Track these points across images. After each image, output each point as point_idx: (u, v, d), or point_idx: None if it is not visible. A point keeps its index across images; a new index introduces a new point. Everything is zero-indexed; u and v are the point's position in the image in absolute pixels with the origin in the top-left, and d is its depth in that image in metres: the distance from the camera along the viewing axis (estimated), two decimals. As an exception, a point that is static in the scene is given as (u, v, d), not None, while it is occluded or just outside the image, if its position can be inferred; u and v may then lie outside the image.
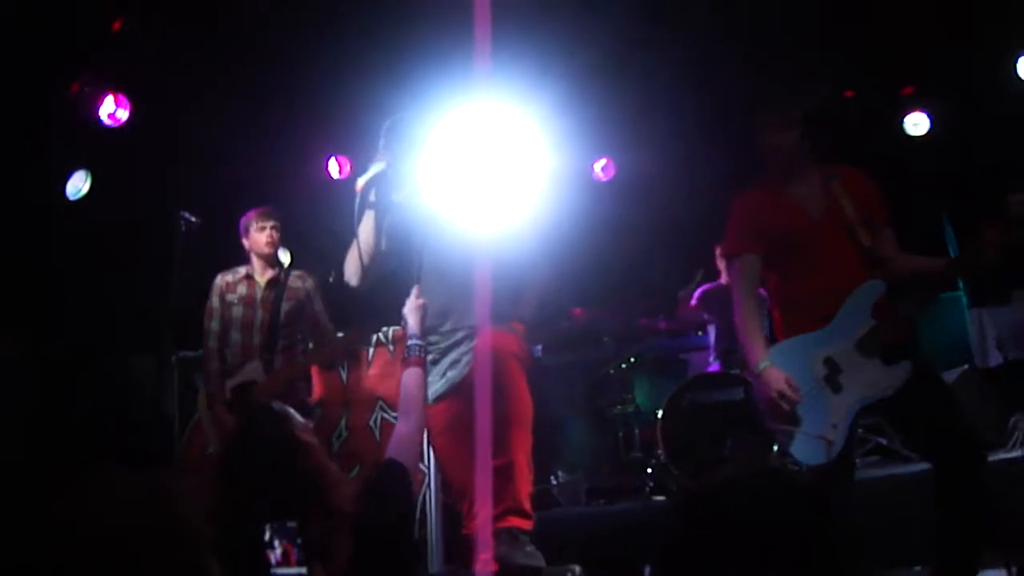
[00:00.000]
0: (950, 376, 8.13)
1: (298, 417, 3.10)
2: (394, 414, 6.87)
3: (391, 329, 7.34)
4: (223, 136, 8.44)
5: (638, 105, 8.86)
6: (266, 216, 7.04)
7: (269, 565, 2.56)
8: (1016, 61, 9.18)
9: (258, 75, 8.43)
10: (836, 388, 4.47)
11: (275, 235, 7.00)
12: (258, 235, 7.00)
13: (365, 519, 2.94)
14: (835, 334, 4.50)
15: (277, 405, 3.15)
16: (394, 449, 3.59)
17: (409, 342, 4.33)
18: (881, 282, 4.56)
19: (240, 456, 2.91)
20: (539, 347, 7.91)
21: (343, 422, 7.32)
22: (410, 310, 4.55)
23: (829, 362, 4.48)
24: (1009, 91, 9.34)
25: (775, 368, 4.50)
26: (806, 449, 4.42)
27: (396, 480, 3.33)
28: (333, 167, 9.70)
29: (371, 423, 7.28)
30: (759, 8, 8.53)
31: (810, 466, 4.41)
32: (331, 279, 9.48)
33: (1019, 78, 9.21)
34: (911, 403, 4.46)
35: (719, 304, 8.37)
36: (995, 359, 9.55)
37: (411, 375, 4.11)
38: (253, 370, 6.41)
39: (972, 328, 9.65)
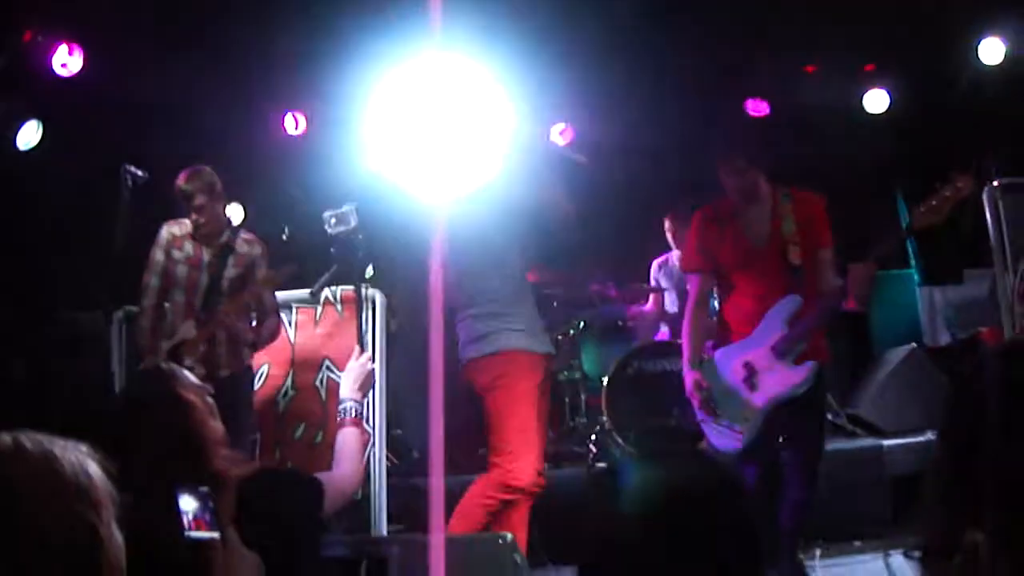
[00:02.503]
0: (897, 354, 8.18)
1: (188, 377, 3.03)
2: (341, 374, 6.77)
3: (340, 289, 7.27)
4: (177, 89, 8.30)
5: (594, 69, 8.81)
6: (190, 181, 6.47)
7: (182, 529, 2.50)
8: (977, 44, 9.20)
9: (213, 29, 8.29)
10: (752, 387, 5.18)
11: (203, 201, 6.44)
12: (185, 206, 6.50)
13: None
14: (754, 342, 5.20)
15: (166, 364, 3.10)
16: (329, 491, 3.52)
17: (343, 404, 4.08)
18: (798, 297, 5.12)
19: (123, 416, 2.87)
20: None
21: (289, 381, 7.26)
22: (352, 371, 4.22)
23: (748, 365, 5.19)
24: (969, 72, 9.40)
25: (692, 372, 5.35)
26: (721, 438, 5.27)
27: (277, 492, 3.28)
28: (289, 123, 9.60)
29: (317, 383, 7.22)
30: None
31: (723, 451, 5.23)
32: (284, 236, 9.48)
33: (979, 61, 9.24)
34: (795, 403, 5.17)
35: (674, 274, 8.41)
36: (944, 338, 9.64)
37: (348, 434, 3.95)
38: (186, 330, 6.29)
39: (923, 306, 9.73)
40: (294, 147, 9.65)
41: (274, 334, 6.78)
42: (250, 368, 6.71)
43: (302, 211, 9.01)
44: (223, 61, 8.51)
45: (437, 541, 4.42)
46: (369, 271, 8.53)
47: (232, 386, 6.31)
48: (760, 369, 5.17)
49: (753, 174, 5.31)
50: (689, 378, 5.37)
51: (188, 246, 6.56)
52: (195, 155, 7.12)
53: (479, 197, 5.50)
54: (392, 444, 8.32)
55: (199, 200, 6.41)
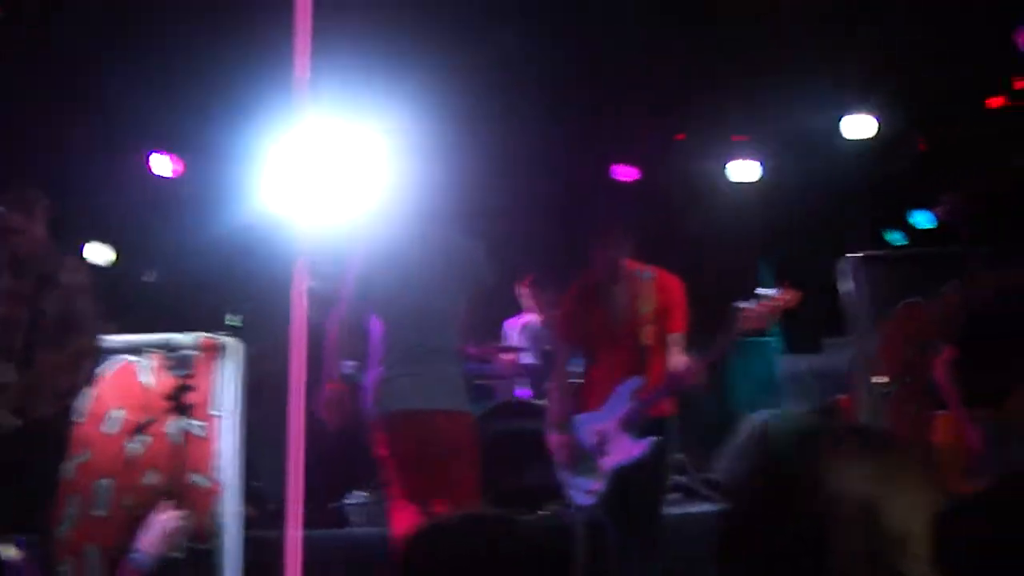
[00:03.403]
0: (759, 418, 8.26)
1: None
2: (197, 422, 6.65)
3: (198, 336, 7.13)
4: (40, 126, 8.16)
5: (461, 131, 8.83)
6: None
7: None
8: (839, 120, 9.44)
9: (79, 67, 8.18)
10: (603, 453, 5.61)
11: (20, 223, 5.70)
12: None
13: None
14: (605, 415, 5.62)
15: None
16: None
17: (134, 555, 4.07)
18: (640, 379, 5.52)
19: None
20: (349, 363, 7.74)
21: (142, 426, 7.07)
22: (155, 525, 4.24)
23: (600, 434, 5.61)
24: (834, 147, 9.63)
25: (556, 434, 5.78)
26: (578, 495, 5.74)
27: None
28: (155, 163, 9.47)
29: (171, 430, 7.06)
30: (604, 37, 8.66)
31: (580, 507, 5.76)
32: (149, 278, 9.35)
33: (842, 136, 9.48)
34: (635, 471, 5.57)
35: (538, 337, 8.44)
36: (805, 405, 9.80)
37: None
38: (3, 372, 5.86)
39: (786, 373, 9.88)
40: (161, 187, 9.52)
41: (91, 378, 6.16)
42: (67, 411, 6.19)
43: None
44: (87, 99, 8.37)
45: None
46: (232, 319, 8.49)
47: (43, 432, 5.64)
48: (610, 439, 5.59)
49: (625, 251, 5.67)
50: (555, 439, 5.80)
51: (6, 278, 5.81)
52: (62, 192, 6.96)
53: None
54: (251, 496, 8.19)
55: (15, 222, 5.71)
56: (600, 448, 5.60)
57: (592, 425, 5.66)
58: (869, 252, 8.01)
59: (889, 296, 8.08)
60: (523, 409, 7.65)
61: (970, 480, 5.73)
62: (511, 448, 7.30)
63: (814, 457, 1.74)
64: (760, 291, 5.28)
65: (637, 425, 5.52)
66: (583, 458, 5.68)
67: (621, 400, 5.56)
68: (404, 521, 5.24)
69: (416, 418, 5.31)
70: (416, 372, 5.35)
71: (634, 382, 5.54)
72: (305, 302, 5.64)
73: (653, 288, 5.66)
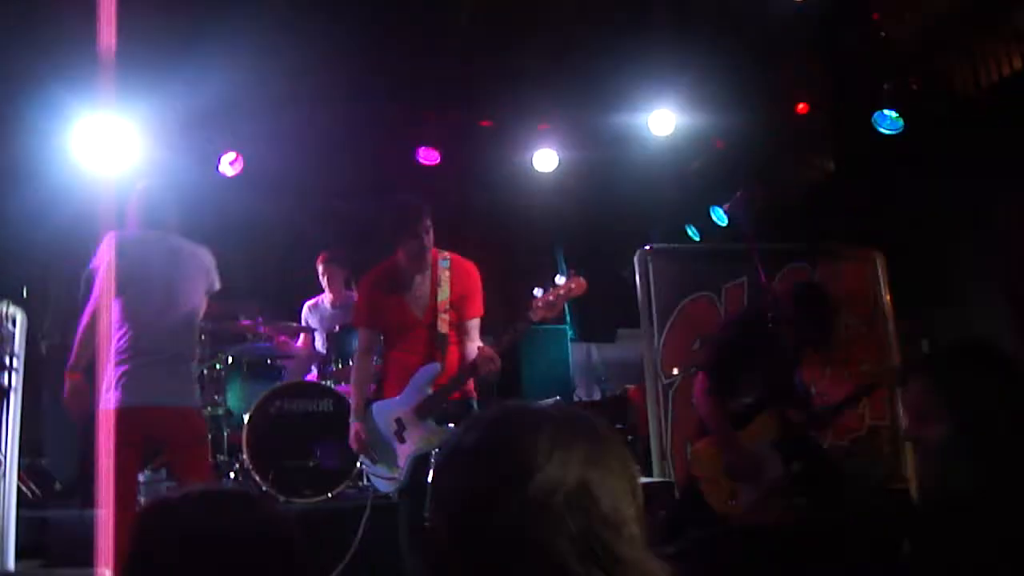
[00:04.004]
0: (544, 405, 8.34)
1: None
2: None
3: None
4: None
5: (270, 104, 8.74)
6: None
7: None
8: (648, 115, 9.58)
9: None
10: (402, 440, 5.59)
11: None
12: None
13: None
14: (403, 402, 5.58)
15: None
16: None
17: None
18: (438, 366, 5.55)
19: None
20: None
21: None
22: None
23: (399, 421, 5.58)
24: (639, 141, 9.77)
25: (356, 422, 5.72)
26: (378, 481, 5.74)
27: None
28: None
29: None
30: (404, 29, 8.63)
31: (379, 492, 5.82)
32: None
33: (650, 132, 9.62)
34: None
35: (324, 316, 8.37)
36: (597, 393, 9.97)
37: None
38: None
39: (579, 361, 10.02)
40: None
41: None
42: None
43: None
44: None
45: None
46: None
47: None
48: (408, 426, 5.56)
49: (427, 238, 5.60)
50: (353, 428, 5.73)
51: None
52: None
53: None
54: (33, 474, 7.95)
55: None
56: (399, 435, 5.58)
57: (390, 412, 5.63)
58: (658, 246, 8.14)
59: (677, 289, 8.28)
60: (307, 390, 7.56)
61: (735, 501, 5.92)
62: (294, 429, 7.24)
63: (533, 444, 1.78)
64: (556, 280, 5.34)
65: (435, 412, 5.50)
66: (381, 446, 5.65)
67: (418, 387, 5.54)
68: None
69: (143, 413, 5.51)
70: (146, 368, 5.56)
71: (431, 369, 5.54)
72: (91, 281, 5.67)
73: (451, 275, 5.69)
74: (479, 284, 5.78)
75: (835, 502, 5.82)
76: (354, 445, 5.72)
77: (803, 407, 6.08)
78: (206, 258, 6.02)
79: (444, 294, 5.64)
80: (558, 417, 1.83)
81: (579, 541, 1.69)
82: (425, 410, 5.50)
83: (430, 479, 1.99)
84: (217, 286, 6.06)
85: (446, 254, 5.75)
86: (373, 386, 5.96)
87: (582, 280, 5.32)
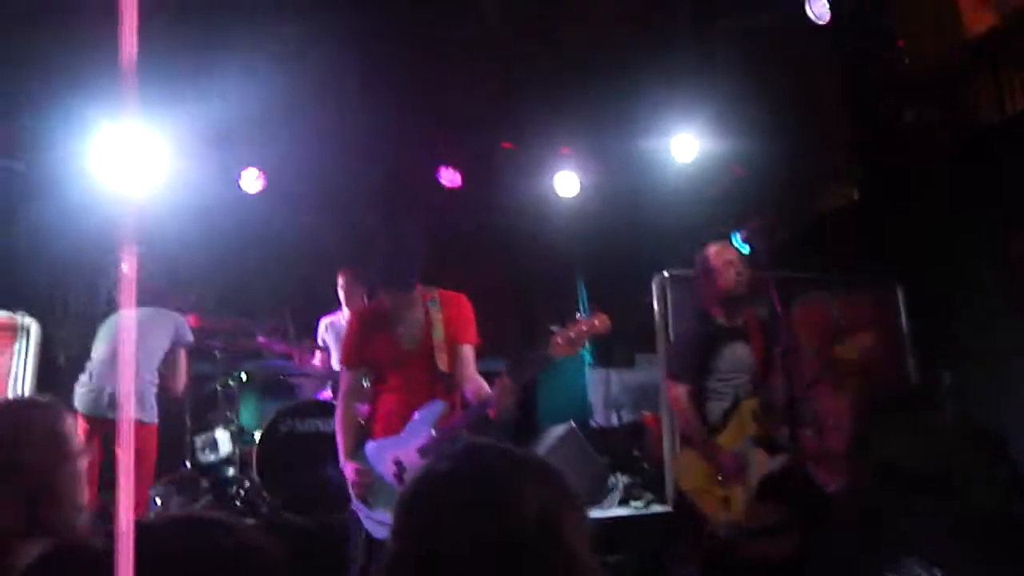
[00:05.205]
0: (556, 432, 8.32)
1: None
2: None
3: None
4: None
5: (293, 120, 8.76)
6: None
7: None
8: (670, 140, 9.58)
9: None
10: (401, 482, 5.26)
11: None
12: None
13: None
14: (403, 441, 5.32)
15: None
16: None
17: None
18: (441, 403, 5.34)
19: None
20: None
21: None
22: None
23: (398, 463, 5.30)
24: (660, 168, 9.76)
25: (350, 463, 5.42)
26: (373, 526, 5.35)
27: None
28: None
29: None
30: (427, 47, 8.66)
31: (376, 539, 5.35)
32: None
33: (671, 157, 9.62)
34: None
35: (340, 334, 8.36)
36: (615, 419, 9.93)
37: None
38: None
39: (597, 387, 9.98)
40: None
41: None
42: None
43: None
44: None
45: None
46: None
47: None
48: (409, 467, 5.30)
49: (414, 280, 5.46)
50: (349, 468, 5.45)
51: None
52: None
53: None
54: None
55: None
56: (399, 477, 5.33)
57: (389, 452, 5.39)
58: (676, 271, 8.11)
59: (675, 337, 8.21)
60: (320, 409, 7.55)
61: (730, 506, 5.91)
62: (305, 448, 7.24)
63: (510, 477, 1.91)
64: (577, 315, 5.20)
65: (439, 453, 5.24)
66: (379, 487, 5.37)
67: (421, 427, 5.33)
68: None
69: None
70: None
71: (434, 407, 5.36)
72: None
73: (442, 313, 5.55)
74: (471, 313, 5.64)
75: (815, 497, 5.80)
76: (354, 489, 5.42)
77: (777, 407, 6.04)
78: None
79: (439, 333, 5.50)
80: (522, 455, 1.99)
81: (551, 571, 1.79)
82: (428, 451, 5.28)
83: (399, 502, 2.00)
84: None
85: (434, 293, 5.61)
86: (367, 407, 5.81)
87: (606, 318, 5.06)
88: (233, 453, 7.64)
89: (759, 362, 6.28)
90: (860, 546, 3.27)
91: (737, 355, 6.26)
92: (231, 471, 7.63)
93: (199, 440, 7.70)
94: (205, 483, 7.53)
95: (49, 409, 2.94)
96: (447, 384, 5.46)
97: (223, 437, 6.98)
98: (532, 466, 1.98)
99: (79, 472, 2.94)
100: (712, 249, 6.47)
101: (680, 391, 6.18)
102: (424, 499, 1.93)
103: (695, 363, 6.22)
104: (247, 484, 7.50)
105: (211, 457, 7.23)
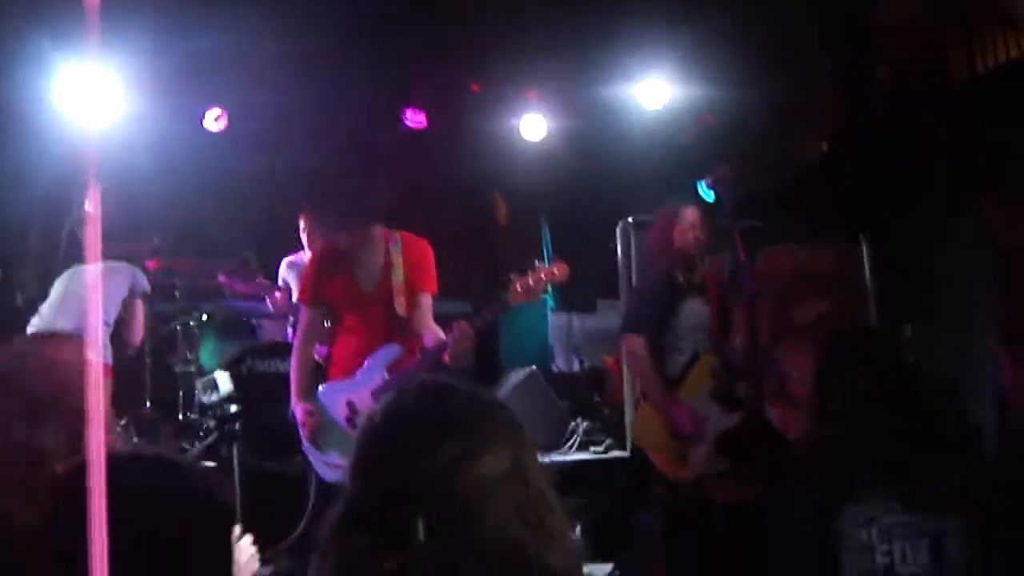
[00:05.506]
0: (517, 376, 8.34)
1: None
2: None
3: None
4: None
5: (254, 58, 8.64)
6: None
7: None
8: (639, 86, 9.52)
9: None
10: (353, 426, 5.24)
11: None
12: None
13: None
14: (357, 384, 5.33)
15: None
16: None
17: None
18: (397, 347, 5.34)
19: None
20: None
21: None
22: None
23: (350, 405, 5.31)
24: (629, 114, 9.71)
25: (300, 404, 5.41)
26: (324, 469, 5.37)
27: None
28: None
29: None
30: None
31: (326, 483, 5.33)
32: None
33: (640, 103, 9.56)
34: None
35: (300, 274, 8.32)
36: (575, 364, 9.94)
37: None
38: None
39: (558, 332, 9.97)
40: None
41: None
42: None
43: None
44: None
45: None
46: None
47: None
48: (361, 410, 5.26)
49: (373, 217, 5.48)
50: (299, 409, 5.44)
51: None
52: None
53: None
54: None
55: None
56: (351, 421, 5.31)
57: (341, 395, 5.39)
58: (640, 217, 8.07)
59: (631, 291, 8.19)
60: (281, 349, 7.50)
61: (687, 463, 5.92)
62: (265, 389, 7.19)
63: (480, 421, 1.93)
64: (536, 263, 5.18)
65: None
66: (330, 430, 5.37)
67: (374, 370, 5.32)
68: None
69: None
70: None
71: (389, 351, 5.34)
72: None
73: (403, 256, 5.52)
74: (432, 260, 5.62)
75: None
76: (304, 430, 5.40)
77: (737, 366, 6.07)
78: None
79: (398, 276, 5.47)
80: (482, 393, 2.02)
81: (520, 511, 1.82)
82: (382, 394, 5.05)
83: (360, 440, 1.99)
84: None
85: (396, 235, 5.58)
86: (324, 349, 5.84)
87: (564, 266, 5.17)
88: (232, 392, 7.57)
89: (716, 320, 6.29)
90: (820, 489, 3.32)
91: (695, 311, 6.26)
92: (232, 408, 7.59)
93: (199, 383, 7.67)
94: (211, 423, 7.49)
95: (76, 341, 2.99)
96: (404, 329, 5.43)
97: (222, 377, 7.00)
98: (494, 405, 2.00)
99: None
100: (672, 209, 6.45)
101: (637, 344, 6.17)
102: (389, 440, 1.92)
103: (653, 317, 6.21)
104: (206, 426, 7.46)
105: (213, 397, 7.25)
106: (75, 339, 3.03)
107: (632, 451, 6.84)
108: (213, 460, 6.92)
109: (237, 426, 7.40)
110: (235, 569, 3.17)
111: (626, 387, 8.03)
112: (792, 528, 3.38)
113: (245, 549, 3.43)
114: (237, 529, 3.38)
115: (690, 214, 6.38)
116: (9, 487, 1.38)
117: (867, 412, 3.27)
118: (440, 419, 1.89)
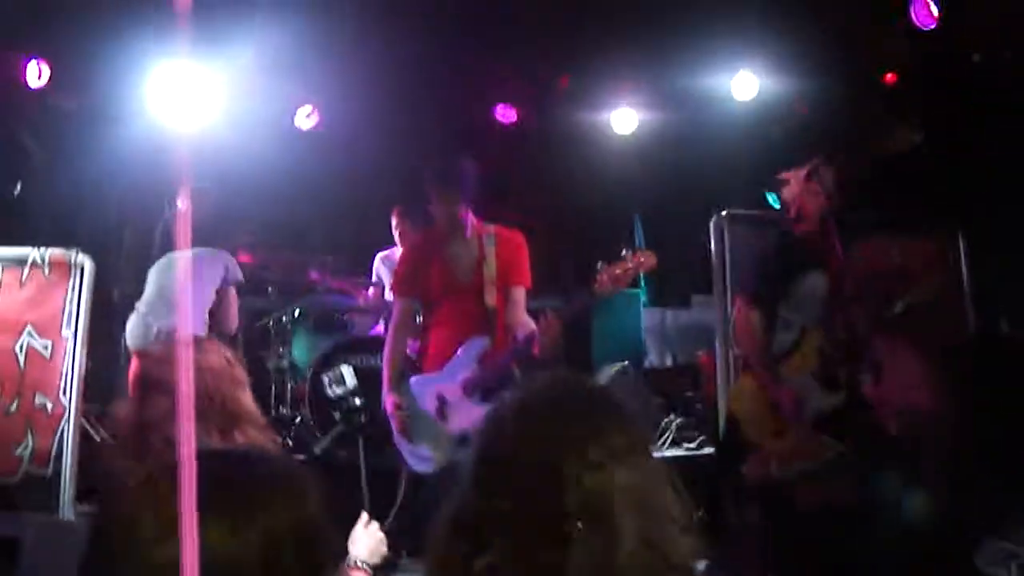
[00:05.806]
0: (609, 372, 8.28)
1: None
2: (43, 341, 6.50)
3: (48, 251, 6.93)
4: None
5: (347, 56, 8.70)
6: None
7: None
8: (731, 78, 9.42)
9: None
10: (443, 418, 5.34)
11: None
12: None
13: None
14: (447, 376, 5.38)
15: None
16: None
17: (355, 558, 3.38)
18: (485, 339, 5.36)
19: None
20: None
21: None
22: (362, 540, 3.43)
23: (440, 398, 5.35)
24: (720, 106, 9.61)
25: (390, 395, 5.47)
26: (414, 459, 5.45)
27: None
28: (32, 72, 9.07)
29: (16, 348, 6.83)
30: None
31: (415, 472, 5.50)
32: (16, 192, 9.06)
33: (731, 96, 9.46)
34: None
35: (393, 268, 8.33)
36: (668, 360, 9.87)
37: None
38: None
39: (652, 327, 9.90)
40: (31, 98, 9.17)
41: None
42: None
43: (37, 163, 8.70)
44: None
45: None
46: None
47: None
48: (451, 402, 5.33)
49: (463, 208, 5.47)
50: (389, 400, 5.48)
51: None
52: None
53: None
54: (107, 419, 8.02)
55: None
56: (440, 413, 5.35)
57: (431, 387, 5.42)
58: (735, 211, 7.96)
59: (752, 256, 8.09)
60: (372, 345, 7.53)
61: (783, 441, 5.75)
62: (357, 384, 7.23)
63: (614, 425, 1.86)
64: (623, 252, 5.13)
65: (480, 390, 5.27)
66: (421, 422, 5.41)
67: (464, 362, 5.34)
68: None
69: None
70: None
71: (478, 343, 5.36)
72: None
73: (496, 248, 5.53)
74: (526, 253, 5.62)
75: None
76: (394, 422, 5.46)
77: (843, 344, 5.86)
78: None
79: (491, 269, 5.47)
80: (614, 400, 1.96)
81: (653, 507, 1.79)
82: (472, 386, 5.29)
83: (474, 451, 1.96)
84: None
85: (491, 229, 5.59)
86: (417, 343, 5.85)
87: (652, 256, 5.11)
88: (284, 390, 7.65)
89: (832, 296, 6.08)
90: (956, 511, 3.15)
91: (814, 284, 6.03)
92: (357, 401, 7.63)
93: (327, 377, 7.73)
94: (337, 414, 7.56)
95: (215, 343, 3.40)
96: (495, 322, 5.44)
97: (348, 372, 7.07)
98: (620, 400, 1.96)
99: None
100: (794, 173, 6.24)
101: (752, 313, 5.88)
102: (531, 438, 1.86)
103: (771, 285, 5.98)
104: (297, 421, 7.51)
105: (339, 391, 7.33)
106: (214, 341, 3.10)
107: (727, 422, 6.65)
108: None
109: (362, 418, 7.45)
110: (366, 552, 3.24)
111: (720, 382, 7.93)
112: (920, 549, 3.23)
113: (373, 534, 3.48)
114: (364, 516, 3.42)
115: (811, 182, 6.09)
116: (171, 488, 1.37)
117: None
118: (582, 415, 1.87)
